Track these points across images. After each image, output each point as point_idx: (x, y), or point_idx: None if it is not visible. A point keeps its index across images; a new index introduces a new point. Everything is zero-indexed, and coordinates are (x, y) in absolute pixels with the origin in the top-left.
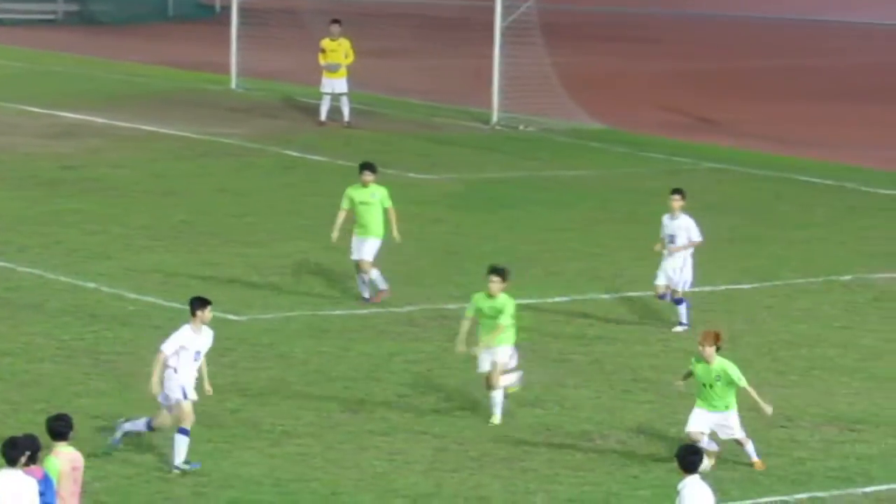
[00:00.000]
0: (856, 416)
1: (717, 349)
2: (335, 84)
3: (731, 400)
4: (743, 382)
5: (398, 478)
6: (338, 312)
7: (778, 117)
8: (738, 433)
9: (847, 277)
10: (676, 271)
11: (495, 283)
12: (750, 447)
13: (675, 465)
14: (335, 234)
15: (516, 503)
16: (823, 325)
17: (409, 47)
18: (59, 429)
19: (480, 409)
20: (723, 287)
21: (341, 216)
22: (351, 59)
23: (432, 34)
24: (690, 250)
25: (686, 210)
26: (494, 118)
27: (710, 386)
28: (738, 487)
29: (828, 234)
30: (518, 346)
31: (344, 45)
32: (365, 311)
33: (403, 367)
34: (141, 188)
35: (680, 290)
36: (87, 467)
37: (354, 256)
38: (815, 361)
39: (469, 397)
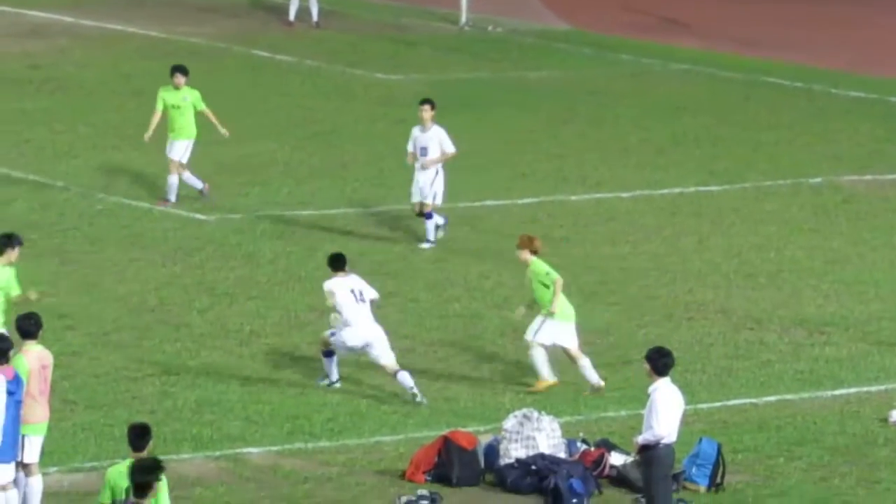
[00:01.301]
0: (824, 318)
1: (534, 253)
2: None
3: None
4: (553, 276)
5: (364, 378)
6: (306, 213)
7: (747, 18)
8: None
9: (816, 180)
10: (427, 185)
11: None
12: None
13: (642, 366)
14: (148, 135)
15: (483, 403)
16: (791, 228)
17: None
18: (28, 327)
19: (445, 307)
20: (692, 189)
21: (156, 118)
22: None
23: None
24: (441, 164)
25: (437, 121)
26: (463, 19)
27: (534, 290)
28: (707, 390)
29: (796, 136)
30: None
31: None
32: (334, 212)
33: (370, 267)
34: (108, 88)
35: (430, 202)
36: (55, 366)
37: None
38: (783, 264)
39: (435, 297)
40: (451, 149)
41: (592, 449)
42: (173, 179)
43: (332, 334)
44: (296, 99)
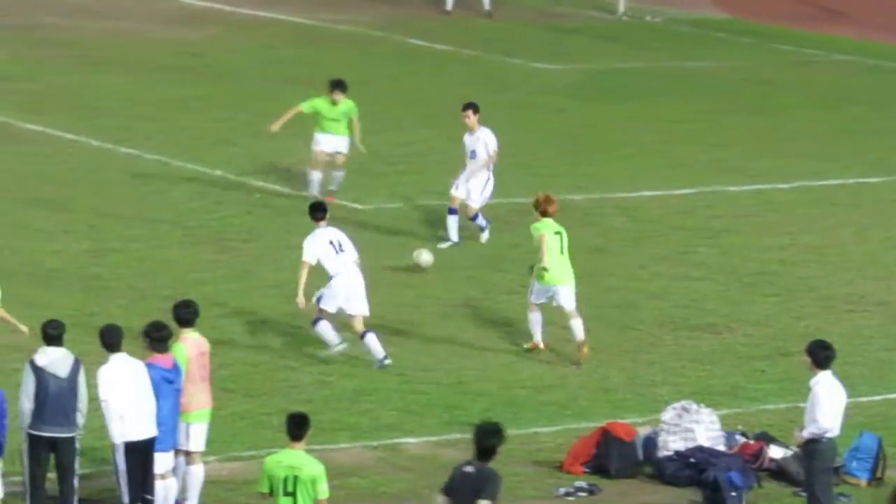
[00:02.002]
0: None
1: (543, 214)
2: None
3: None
4: (536, 233)
5: (522, 368)
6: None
7: None
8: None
9: None
10: (478, 190)
11: None
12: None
13: (801, 359)
14: (276, 128)
15: (641, 395)
16: None
17: None
18: (186, 315)
19: (602, 297)
20: (851, 180)
21: (291, 114)
22: None
23: None
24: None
25: (485, 123)
26: (621, 8)
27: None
28: (867, 383)
29: None
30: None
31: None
32: (490, 202)
33: (527, 257)
34: (264, 76)
35: (476, 207)
36: (212, 354)
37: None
38: None
39: (591, 287)
40: (492, 148)
41: (751, 441)
42: (317, 175)
43: (318, 299)
44: (452, 88)
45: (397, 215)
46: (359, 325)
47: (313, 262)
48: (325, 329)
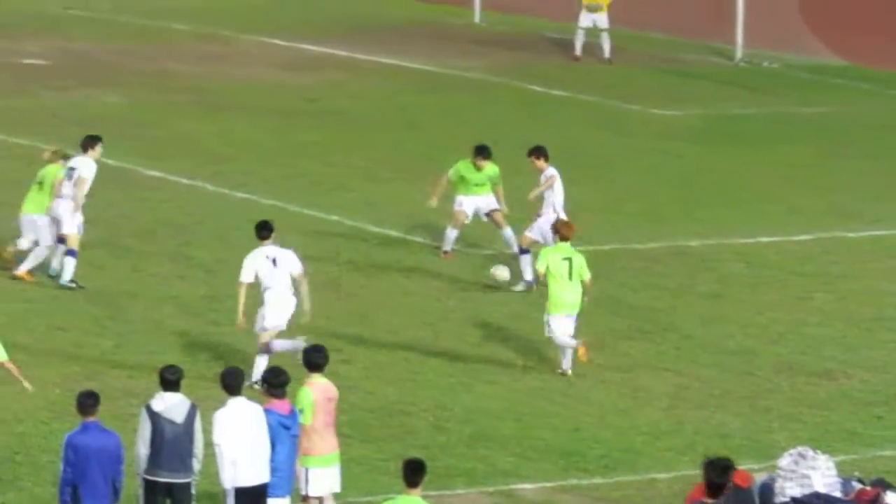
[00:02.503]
0: None
1: (562, 239)
2: (596, 19)
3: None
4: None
5: (639, 415)
6: (580, 249)
7: None
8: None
9: None
10: (548, 225)
11: None
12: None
13: None
14: (434, 203)
15: (757, 441)
16: None
17: None
18: (316, 360)
19: (720, 343)
20: None
21: (441, 183)
22: None
23: None
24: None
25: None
26: (739, 54)
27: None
28: None
29: None
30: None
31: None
32: (606, 248)
33: (645, 302)
34: (381, 121)
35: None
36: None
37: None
38: None
39: (710, 332)
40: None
41: (868, 488)
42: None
43: (262, 328)
44: (570, 133)
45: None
46: (267, 338)
47: (251, 280)
48: (281, 346)
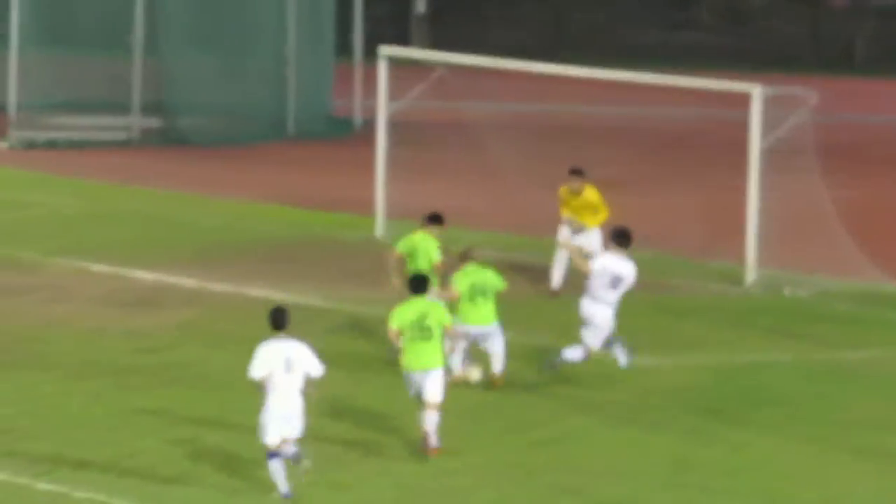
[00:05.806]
0: None
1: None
2: (581, 240)
3: None
4: None
5: None
6: None
7: None
8: None
9: None
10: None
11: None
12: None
13: None
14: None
15: None
16: None
17: (627, 176)
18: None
19: None
20: None
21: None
22: (604, 215)
23: (655, 156)
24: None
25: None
26: (750, 277)
27: None
28: None
29: None
30: None
31: (590, 197)
32: None
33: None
34: (244, 378)
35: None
36: None
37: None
38: None
39: None
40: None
41: None
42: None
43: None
44: None
45: None
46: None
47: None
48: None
